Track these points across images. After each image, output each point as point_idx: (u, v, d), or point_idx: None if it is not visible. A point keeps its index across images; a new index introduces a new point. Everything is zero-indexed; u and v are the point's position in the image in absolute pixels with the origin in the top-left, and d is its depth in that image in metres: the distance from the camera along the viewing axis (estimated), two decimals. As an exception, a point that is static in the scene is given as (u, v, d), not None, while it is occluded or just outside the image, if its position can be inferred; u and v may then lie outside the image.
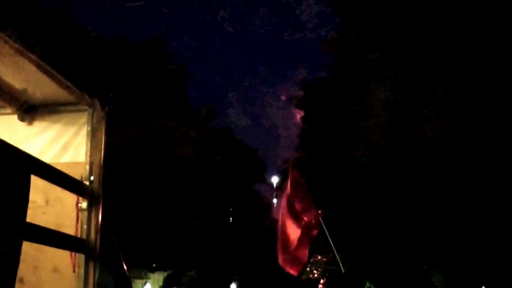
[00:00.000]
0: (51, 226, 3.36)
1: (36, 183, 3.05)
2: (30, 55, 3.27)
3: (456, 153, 14.47)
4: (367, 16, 15.21)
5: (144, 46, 21.35)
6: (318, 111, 16.55)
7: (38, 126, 4.02)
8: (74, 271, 3.59)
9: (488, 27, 13.66)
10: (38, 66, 3.41)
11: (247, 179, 31.01)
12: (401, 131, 14.92)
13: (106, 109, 3.92)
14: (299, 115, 21.05)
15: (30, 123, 4.01)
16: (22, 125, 3.99)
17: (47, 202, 3.67)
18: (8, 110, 3.93)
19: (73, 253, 3.58)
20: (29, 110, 3.99)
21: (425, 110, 14.50)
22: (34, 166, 3.11)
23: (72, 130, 3.98)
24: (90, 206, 3.71)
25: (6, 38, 3.05)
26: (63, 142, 3.97)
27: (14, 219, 2.76)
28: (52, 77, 3.56)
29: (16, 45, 3.19)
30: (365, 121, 15.23)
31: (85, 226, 3.68)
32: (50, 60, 3.48)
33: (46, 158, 3.75)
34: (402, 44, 14.68)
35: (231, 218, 30.32)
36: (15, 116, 3.94)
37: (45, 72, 3.49)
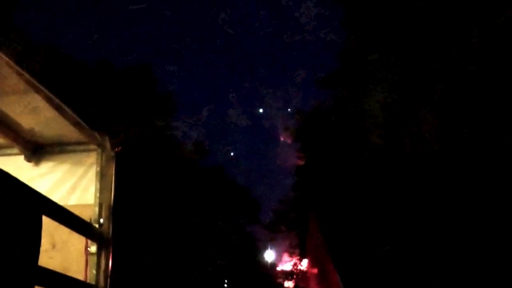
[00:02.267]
0: (58, 270, 3.20)
1: (43, 224, 2.86)
2: (43, 90, 3.08)
3: (452, 153, 14.36)
4: (365, 19, 15.03)
5: (129, 71, 20.03)
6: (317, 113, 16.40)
7: (45, 166, 3.85)
8: None
9: (483, 29, 13.50)
10: (50, 102, 3.22)
11: (239, 220, 29.35)
12: (398, 131, 14.80)
13: (116, 149, 3.72)
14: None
15: (37, 163, 3.86)
16: (29, 166, 3.84)
17: (53, 245, 3.52)
18: (15, 150, 3.79)
19: None
20: (36, 150, 3.80)
21: (422, 111, 14.38)
22: (45, 206, 2.94)
23: (80, 170, 3.81)
24: (99, 250, 3.54)
25: (19, 74, 2.88)
26: (71, 183, 3.80)
27: (26, 263, 2.58)
28: (63, 114, 3.38)
29: (28, 81, 3.00)
30: (363, 121, 15.08)
31: (94, 271, 3.51)
32: (62, 95, 3.29)
33: (54, 200, 3.57)
34: (400, 46, 14.52)
35: (221, 262, 28.00)
36: (22, 157, 3.80)
37: (56, 108, 3.30)
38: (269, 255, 34.84)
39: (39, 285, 2.72)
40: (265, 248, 34.23)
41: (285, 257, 33.14)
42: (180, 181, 19.84)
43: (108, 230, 3.58)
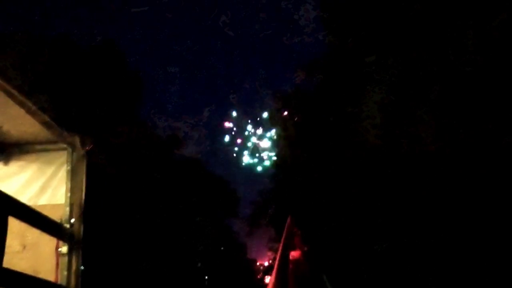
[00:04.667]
0: (29, 272, 3.09)
1: (12, 226, 2.75)
2: (8, 89, 2.98)
3: (448, 153, 14.23)
4: (364, 21, 14.93)
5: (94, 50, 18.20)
6: (315, 113, 16.30)
7: (14, 166, 3.69)
8: None
9: (479, 31, 13.37)
10: (16, 101, 3.10)
11: (217, 213, 27.11)
12: (395, 132, 14.69)
13: (87, 148, 3.61)
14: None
15: (5, 163, 3.71)
16: None
17: (24, 247, 3.38)
18: (-20, 150, 3.64)
19: None
20: (3, 150, 3.67)
21: (418, 111, 14.27)
22: (12, 207, 2.81)
23: (50, 170, 3.63)
24: (70, 250, 3.42)
25: None
26: (41, 183, 3.63)
27: None
28: (31, 113, 3.24)
29: None
30: (361, 122, 14.99)
31: (65, 272, 3.38)
32: (29, 94, 3.18)
33: (23, 200, 3.43)
34: (397, 48, 14.42)
35: (199, 263, 25.96)
36: None
37: (24, 107, 3.17)
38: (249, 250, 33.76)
39: (4, 286, 2.62)
40: (244, 243, 32.81)
41: (265, 251, 31.78)
42: (154, 174, 18.96)
43: (79, 230, 3.45)
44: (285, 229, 6.70)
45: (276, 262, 6.66)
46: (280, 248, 6.61)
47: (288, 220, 6.83)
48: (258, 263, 36.61)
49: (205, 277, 25.61)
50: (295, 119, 17.02)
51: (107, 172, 14.94)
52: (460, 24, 13.44)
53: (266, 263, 33.36)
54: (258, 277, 34.80)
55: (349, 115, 15.32)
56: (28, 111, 3.18)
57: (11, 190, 3.41)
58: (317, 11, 14.85)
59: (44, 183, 3.59)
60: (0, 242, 2.54)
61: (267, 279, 32.58)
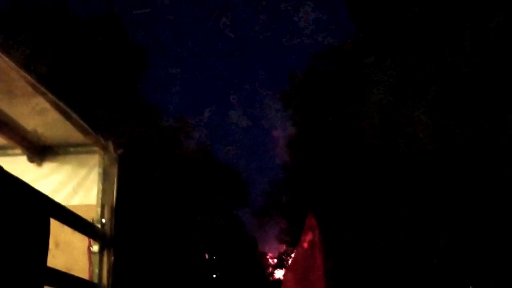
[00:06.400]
0: (62, 270, 3.10)
1: None
2: (48, 93, 2.96)
3: (445, 152, 14.27)
4: (363, 23, 14.94)
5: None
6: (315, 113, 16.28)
7: (48, 167, 3.73)
8: None
9: (476, 33, 13.40)
10: (54, 105, 3.11)
11: (226, 203, 25.63)
12: (393, 132, 14.69)
13: (119, 152, 3.64)
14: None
15: (39, 164, 3.74)
16: (31, 166, 3.72)
17: (57, 245, 3.35)
18: (17, 151, 3.67)
19: None
20: (39, 151, 3.66)
21: (416, 112, 14.29)
22: (52, 209, 2.88)
23: (83, 171, 3.68)
24: (102, 249, 3.45)
25: (24, 77, 2.76)
26: (74, 184, 3.68)
27: (36, 264, 2.54)
28: (68, 118, 3.26)
29: (34, 84, 2.87)
30: (360, 122, 14.98)
31: (97, 270, 3.40)
32: (68, 100, 3.17)
33: (57, 200, 3.46)
34: (395, 49, 14.43)
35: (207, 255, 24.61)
36: (25, 157, 3.68)
37: (61, 111, 3.18)
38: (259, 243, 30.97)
39: (48, 285, 2.68)
40: (254, 235, 30.11)
41: (276, 245, 29.99)
42: (182, 178, 19.13)
43: (110, 230, 3.50)
44: (306, 226, 6.44)
45: (294, 260, 6.47)
46: (301, 245, 6.37)
47: (309, 217, 6.56)
48: (268, 257, 33.55)
49: (212, 270, 24.78)
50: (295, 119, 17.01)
51: (141, 177, 15.08)
52: (457, 26, 13.47)
53: (276, 257, 31.16)
54: (268, 271, 32.35)
55: (348, 116, 15.31)
56: (65, 115, 3.19)
57: (45, 190, 3.43)
58: (316, 13, 14.71)
59: (77, 184, 3.65)
60: (44, 242, 2.57)
61: (278, 274, 30.71)
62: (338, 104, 15.78)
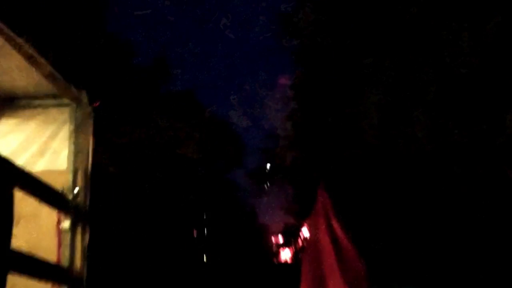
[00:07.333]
0: (24, 249, 2.44)
1: None
2: (7, 32, 2.41)
3: (444, 153, 14.21)
4: (361, 24, 14.93)
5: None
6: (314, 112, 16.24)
7: (6, 124, 2.99)
8: None
9: (474, 34, 13.36)
10: (15, 46, 2.50)
11: (219, 164, 20.45)
12: (392, 132, 14.65)
13: (94, 104, 2.92)
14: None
15: None
16: None
17: (17, 221, 2.47)
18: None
19: (55, 286, 2.68)
20: (-4, 105, 2.88)
21: (415, 112, 14.26)
22: (17, 177, 2.26)
23: (50, 129, 2.94)
24: (74, 225, 2.74)
25: None
26: (39, 145, 2.93)
27: None
28: (34, 63, 2.61)
29: None
30: (359, 122, 14.95)
31: (67, 252, 2.73)
32: (32, 39, 2.55)
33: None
34: (394, 50, 14.41)
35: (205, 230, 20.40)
36: None
37: (24, 54, 2.56)
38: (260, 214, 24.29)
39: (14, 270, 2.17)
40: (253, 204, 24.23)
41: (280, 216, 23.94)
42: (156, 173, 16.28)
43: (85, 201, 2.77)
44: (317, 200, 5.83)
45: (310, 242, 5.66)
46: (315, 224, 5.75)
47: (320, 188, 5.91)
48: (271, 235, 26.94)
49: (203, 249, 20.49)
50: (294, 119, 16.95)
51: (109, 172, 14.18)
52: (455, 26, 13.44)
53: (280, 232, 24.90)
54: (272, 250, 26.70)
55: (347, 116, 15.28)
56: (29, 60, 2.53)
57: (3, 152, 2.63)
58: (316, 14, 14.76)
59: (43, 144, 2.90)
60: (7, 219, 2.01)
61: (284, 254, 25.73)
62: (337, 104, 15.76)
